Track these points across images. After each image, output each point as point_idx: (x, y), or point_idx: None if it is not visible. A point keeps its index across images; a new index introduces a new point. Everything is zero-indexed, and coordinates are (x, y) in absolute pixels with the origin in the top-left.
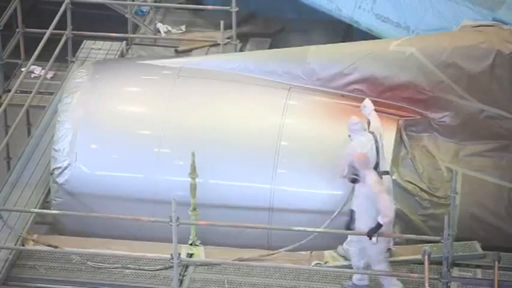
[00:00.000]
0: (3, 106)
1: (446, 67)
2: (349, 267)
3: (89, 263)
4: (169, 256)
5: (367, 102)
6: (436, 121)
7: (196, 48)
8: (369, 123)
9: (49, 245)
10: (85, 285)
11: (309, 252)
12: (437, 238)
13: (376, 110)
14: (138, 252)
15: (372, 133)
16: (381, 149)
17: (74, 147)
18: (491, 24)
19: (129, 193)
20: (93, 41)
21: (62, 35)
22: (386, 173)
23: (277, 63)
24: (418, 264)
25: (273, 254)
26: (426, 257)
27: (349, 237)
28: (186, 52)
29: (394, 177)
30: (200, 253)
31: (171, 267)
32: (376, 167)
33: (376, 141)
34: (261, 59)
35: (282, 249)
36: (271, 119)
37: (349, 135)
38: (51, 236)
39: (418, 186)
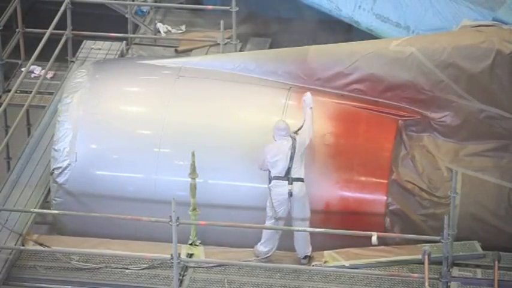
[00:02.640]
0: (3, 106)
1: (446, 67)
2: (349, 267)
3: (73, 262)
4: (169, 256)
5: (308, 97)
6: (436, 121)
7: (196, 48)
8: None
9: (41, 244)
10: (85, 285)
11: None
12: (437, 238)
13: (376, 110)
14: (138, 252)
15: (293, 138)
16: (298, 156)
17: (74, 147)
18: (491, 24)
19: (129, 193)
20: (93, 41)
21: (62, 35)
22: (300, 179)
23: (277, 63)
24: (418, 264)
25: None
26: (426, 257)
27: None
28: (186, 52)
29: (393, 177)
30: (200, 253)
31: (155, 267)
32: (287, 172)
33: (293, 146)
34: (261, 59)
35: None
36: (271, 119)
37: (273, 136)
38: (51, 236)
39: (418, 186)
